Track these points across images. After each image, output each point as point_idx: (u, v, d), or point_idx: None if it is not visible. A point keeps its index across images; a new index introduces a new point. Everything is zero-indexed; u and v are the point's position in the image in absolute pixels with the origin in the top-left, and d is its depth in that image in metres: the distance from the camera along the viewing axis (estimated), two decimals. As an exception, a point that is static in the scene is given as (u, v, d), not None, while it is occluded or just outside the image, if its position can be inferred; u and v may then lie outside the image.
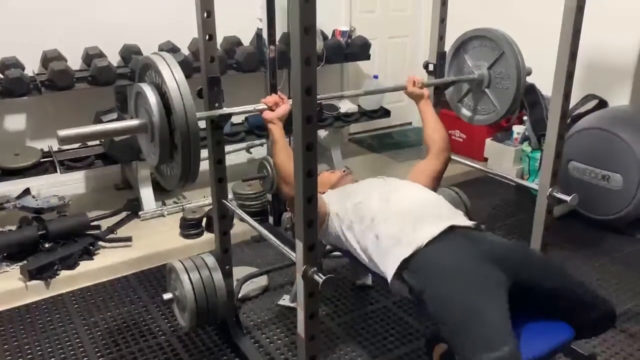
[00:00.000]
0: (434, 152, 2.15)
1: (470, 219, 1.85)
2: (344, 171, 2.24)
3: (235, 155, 3.78)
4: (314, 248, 1.40)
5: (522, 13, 3.81)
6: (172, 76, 1.58)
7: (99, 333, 2.34)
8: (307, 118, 1.28)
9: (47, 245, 2.72)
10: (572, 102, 2.06)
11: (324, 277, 1.36)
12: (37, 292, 2.58)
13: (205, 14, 1.79)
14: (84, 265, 2.72)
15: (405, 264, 1.66)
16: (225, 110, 1.90)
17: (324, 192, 1.99)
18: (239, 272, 2.55)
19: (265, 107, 1.90)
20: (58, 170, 2.97)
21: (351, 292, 2.62)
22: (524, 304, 1.59)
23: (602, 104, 3.45)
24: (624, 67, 3.45)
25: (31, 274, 2.56)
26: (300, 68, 1.23)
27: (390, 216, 1.77)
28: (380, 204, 1.83)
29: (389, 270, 1.69)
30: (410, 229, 1.70)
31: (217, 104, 1.91)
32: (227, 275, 2.12)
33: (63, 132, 1.55)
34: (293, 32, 1.22)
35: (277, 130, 1.87)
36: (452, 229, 1.71)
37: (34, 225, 2.79)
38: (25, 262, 2.65)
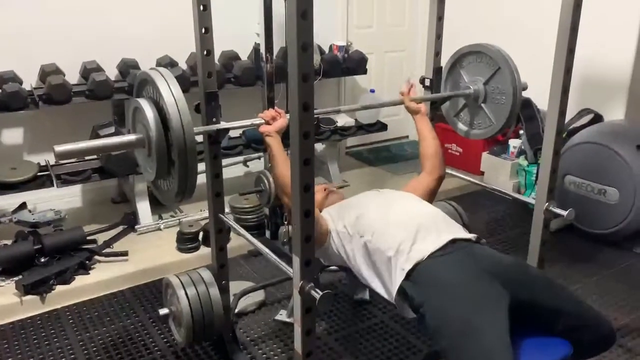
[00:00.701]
0: (428, 168, 2.15)
1: (469, 233, 1.85)
2: (325, 189, 2.16)
3: (233, 169, 3.78)
4: (311, 263, 1.40)
5: (517, 28, 3.85)
6: (170, 92, 1.58)
7: (94, 348, 2.33)
8: (305, 134, 1.29)
9: (42, 260, 2.70)
10: (568, 116, 2.07)
11: (321, 293, 1.36)
12: (33, 307, 2.56)
13: (203, 30, 1.81)
14: (80, 280, 2.71)
15: (407, 276, 1.65)
16: (223, 125, 1.91)
17: (320, 210, 1.98)
18: (235, 286, 2.53)
19: (263, 121, 1.90)
20: (55, 184, 2.97)
21: (349, 307, 2.60)
22: (523, 319, 1.58)
23: (598, 118, 3.47)
24: (618, 82, 3.48)
25: (26, 289, 2.54)
26: (297, 84, 1.23)
27: (390, 228, 1.76)
28: (379, 217, 1.82)
29: (393, 285, 1.68)
30: (411, 241, 1.70)
31: (214, 119, 1.91)
32: (224, 290, 2.11)
33: (60, 148, 1.55)
34: (290, 49, 1.23)
35: (275, 143, 1.86)
36: (453, 242, 1.71)
37: (29, 239, 2.77)
38: (20, 276, 2.63)
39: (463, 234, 1.79)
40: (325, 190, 2.16)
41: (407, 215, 1.83)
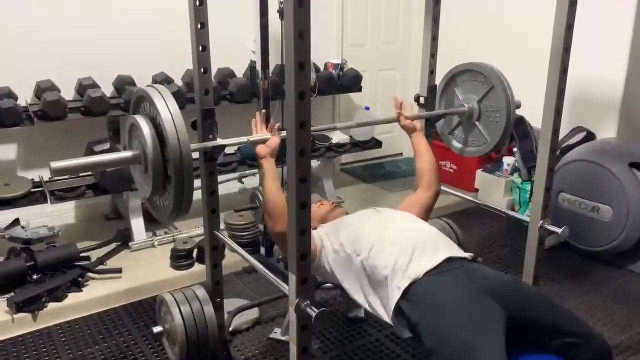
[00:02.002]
0: (424, 184, 2.16)
1: (464, 251, 1.85)
2: (332, 203, 2.22)
3: (227, 185, 3.78)
4: (307, 281, 1.39)
5: (510, 47, 3.90)
6: (167, 108, 1.59)
7: (86, 367, 2.30)
8: (301, 151, 1.29)
9: (35, 277, 2.68)
10: (560, 134, 2.09)
11: (317, 311, 1.35)
12: (24, 325, 2.53)
13: (201, 48, 1.82)
14: (73, 297, 2.68)
15: (403, 294, 1.65)
16: (219, 141, 1.91)
17: (314, 227, 1.98)
18: (229, 304, 2.51)
19: (259, 138, 1.90)
20: (48, 201, 2.96)
21: (344, 325, 2.59)
22: (519, 337, 1.58)
23: (590, 136, 3.51)
24: (610, 101, 3.52)
25: (18, 306, 2.51)
26: (294, 102, 1.24)
27: (386, 247, 1.76)
28: (376, 236, 1.82)
29: (390, 304, 1.68)
30: (407, 260, 1.70)
31: (210, 136, 1.92)
32: (218, 307, 2.09)
33: (56, 164, 1.55)
34: (287, 68, 1.24)
35: (268, 165, 1.86)
36: (449, 260, 1.72)
37: (22, 256, 2.75)
38: (12, 294, 2.60)
39: (459, 252, 1.80)
40: (332, 204, 2.19)
41: (404, 234, 1.84)
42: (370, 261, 1.75)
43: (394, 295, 1.66)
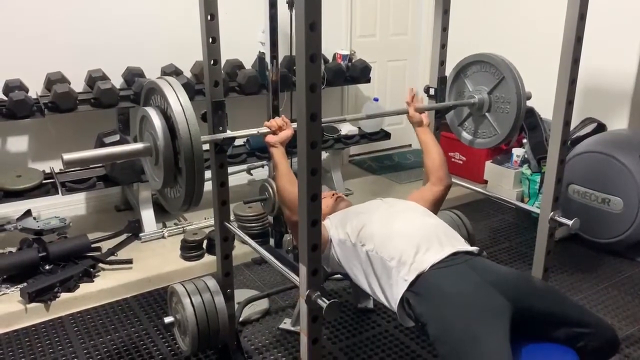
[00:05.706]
0: (433, 179, 2.16)
1: (472, 243, 1.85)
2: (334, 194, 2.21)
3: (236, 177, 3.79)
4: (318, 272, 1.40)
5: (521, 37, 3.87)
6: (178, 101, 1.59)
7: (99, 357, 2.32)
8: (312, 143, 1.29)
9: (47, 267, 2.71)
10: (571, 125, 2.08)
11: (327, 302, 1.36)
12: (37, 314, 2.56)
13: (211, 40, 1.82)
14: (84, 288, 2.71)
15: (409, 286, 1.66)
16: (229, 133, 1.92)
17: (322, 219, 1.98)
18: (239, 294, 2.53)
19: (269, 130, 1.91)
20: (60, 192, 2.98)
21: (353, 316, 2.60)
22: (527, 328, 1.59)
23: (601, 127, 3.48)
24: (622, 91, 3.49)
25: (31, 297, 2.54)
26: (305, 94, 1.24)
27: (392, 239, 1.77)
28: (383, 227, 1.83)
29: (394, 296, 1.69)
30: (414, 252, 1.71)
31: (220, 128, 1.92)
32: (229, 298, 2.11)
33: (68, 156, 1.56)
34: (298, 60, 1.24)
35: (279, 154, 1.88)
36: (455, 254, 1.72)
37: (34, 247, 2.78)
38: (25, 284, 2.63)
39: (465, 246, 1.80)
40: (334, 195, 2.18)
41: (411, 226, 1.84)
42: (376, 252, 1.76)
43: (400, 287, 1.67)
